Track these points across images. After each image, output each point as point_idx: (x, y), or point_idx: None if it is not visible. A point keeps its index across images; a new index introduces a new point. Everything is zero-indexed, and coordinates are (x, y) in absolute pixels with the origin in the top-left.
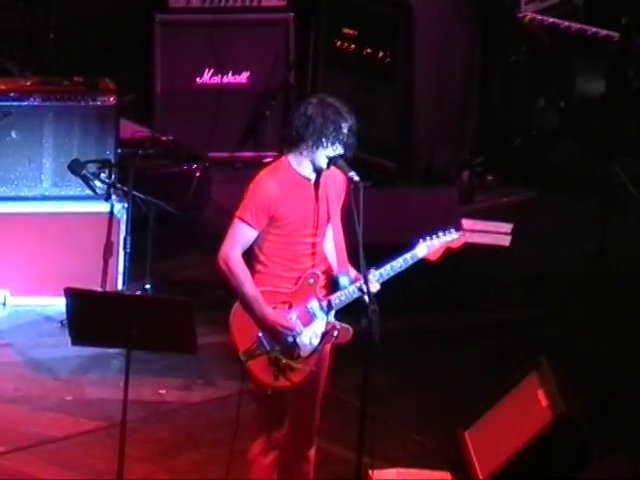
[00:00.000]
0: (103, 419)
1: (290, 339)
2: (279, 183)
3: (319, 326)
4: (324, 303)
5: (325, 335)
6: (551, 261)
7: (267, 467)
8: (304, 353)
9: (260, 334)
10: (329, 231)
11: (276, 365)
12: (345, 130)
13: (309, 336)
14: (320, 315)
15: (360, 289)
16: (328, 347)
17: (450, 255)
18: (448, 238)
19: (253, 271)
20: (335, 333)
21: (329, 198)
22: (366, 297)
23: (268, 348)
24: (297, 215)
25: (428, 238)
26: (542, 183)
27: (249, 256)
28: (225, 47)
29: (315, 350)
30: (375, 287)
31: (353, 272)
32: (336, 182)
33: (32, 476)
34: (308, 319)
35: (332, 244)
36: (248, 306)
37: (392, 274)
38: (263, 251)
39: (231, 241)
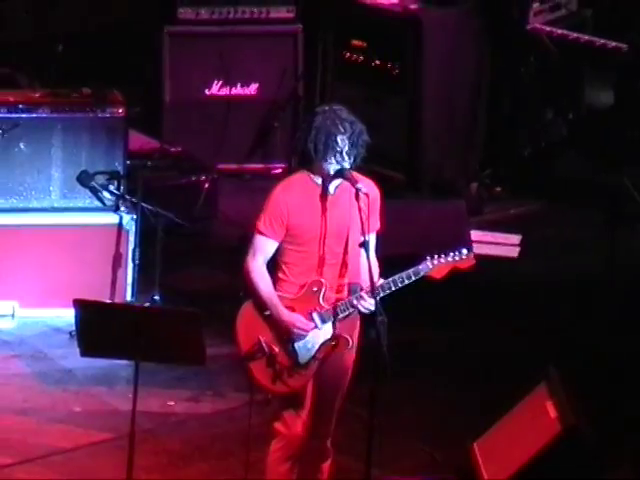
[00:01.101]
0: (112, 430)
1: (289, 345)
2: (293, 194)
3: (318, 334)
4: (325, 312)
5: (324, 343)
6: (559, 272)
7: (284, 474)
8: (302, 359)
9: (262, 337)
10: (372, 242)
11: (274, 369)
12: (341, 142)
13: (308, 343)
14: (320, 323)
15: (355, 300)
16: (349, 359)
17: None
18: (457, 258)
19: (276, 278)
20: (333, 342)
21: (350, 209)
22: (362, 308)
23: (267, 352)
24: (310, 225)
25: (436, 256)
26: (550, 194)
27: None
28: (234, 59)
29: (313, 357)
30: (369, 303)
31: (366, 283)
32: (360, 194)
33: None
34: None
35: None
36: (266, 310)
37: (394, 289)
38: (282, 259)
39: (249, 251)
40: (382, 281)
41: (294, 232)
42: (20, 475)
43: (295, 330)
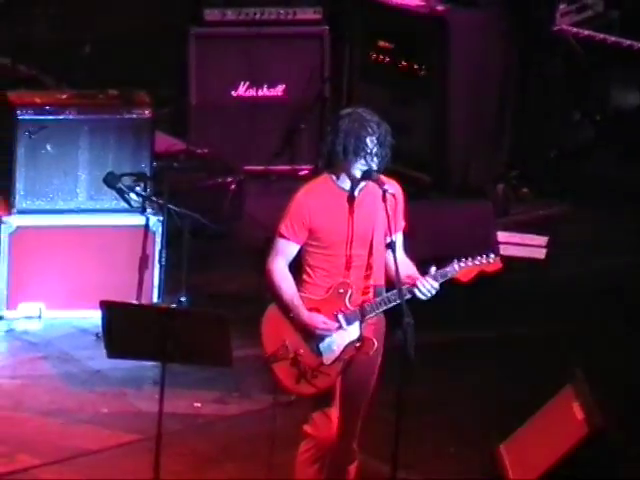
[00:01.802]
0: (138, 432)
1: (314, 347)
2: (315, 197)
3: (344, 335)
4: (350, 313)
5: (349, 344)
6: (586, 274)
7: (312, 475)
8: (327, 360)
9: (287, 339)
10: (399, 242)
11: (299, 370)
12: (370, 143)
13: (333, 344)
14: (345, 325)
15: (383, 302)
16: (375, 360)
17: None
18: (484, 261)
19: (301, 280)
20: (359, 344)
21: (374, 211)
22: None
23: (292, 353)
24: (335, 228)
25: (463, 259)
26: (577, 196)
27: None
28: (260, 60)
29: (338, 358)
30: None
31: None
32: (386, 195)
33: None
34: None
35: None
36: (288, 311)
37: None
38: (306, 262)
39: (271, 253)
40: (406, 286)
41: (318, 235)
42: (47, 476)
43: (317, 331)
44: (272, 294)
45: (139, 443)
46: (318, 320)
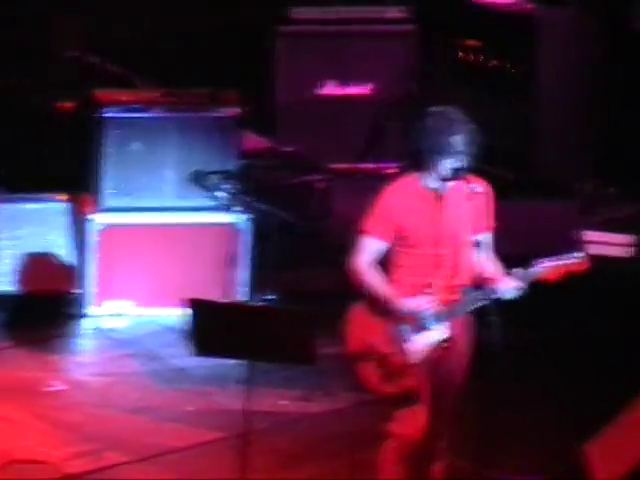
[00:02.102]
0: (223, 430)
1: (401, 346)
2: (402, 196)
3: (431, 334)
4: (437, 312)
5: (436, 344)
6: None
7: (397, 474)
8: (413, 360)
9: (372, 338)
10: (487, 241)
11: (384, 370)
12: (457, 142)
13: (420, 344)
14: (433, 324)
15: (469, 302)
16: (462, 359)
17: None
18: (570, 261)
19: (389, 280)
20: (446, 343)
21: (461, 210)
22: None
23: (378, 353)
24: (421, 227)
25: (550, 259)
26: None
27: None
28: (347, 58)
29: (425, 358)
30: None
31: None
32: (473, 194)
33: None
34: (421, 327)
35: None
36: (384, 304)
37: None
38: (393, 261)
39: (355, 251)
40: (493, 286)
41: (404, 234)
42: (133, 474)
43: (420, 312)
44: (361, 291)
45: (224, 441)
46: (415, 302)
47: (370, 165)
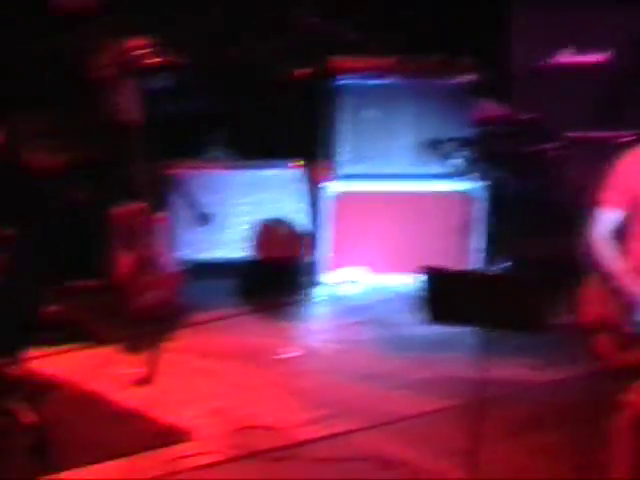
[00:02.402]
0: (455, 397)
1: (635, 317)
2: (638, 164)
3: None
4: None
5: None
6: None
7: (632, 443)
8: None
9: (607, 309)
10: None
11: (619, 341)
12: None
13: None
14: None
15: None
16: None
17: None
18: None
19: (626, 249)
20: None
21: None
22: None
23: (612, 324)
24: None
25: None
26: None
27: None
28: (582, 25)
29: None
30: None
31: None
32: None
33: (387, 453)
34: None
35: None
36: (612, 281)
37: None
38: (630, 230)
39: (592, 222)
40: None
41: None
42: (364, 441)
43: None
44: (595, 264)
45: (456, 409)
46: None
47: (605, 133)
